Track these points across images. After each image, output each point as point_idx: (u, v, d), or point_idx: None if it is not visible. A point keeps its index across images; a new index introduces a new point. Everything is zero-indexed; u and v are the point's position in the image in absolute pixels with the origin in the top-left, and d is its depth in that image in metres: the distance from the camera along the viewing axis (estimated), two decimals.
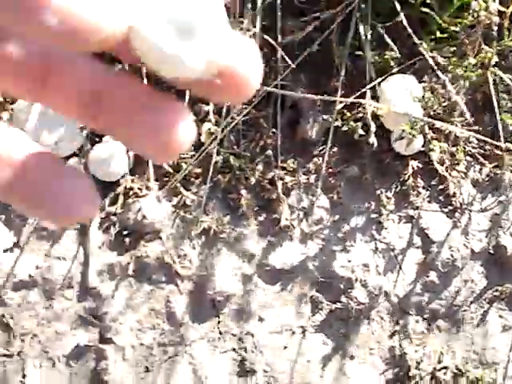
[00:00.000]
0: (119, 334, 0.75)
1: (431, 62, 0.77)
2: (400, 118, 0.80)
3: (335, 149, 0.82)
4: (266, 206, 0.80)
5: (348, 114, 0.82)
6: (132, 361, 0.75)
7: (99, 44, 0.21)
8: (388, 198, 0.82)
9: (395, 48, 0.84)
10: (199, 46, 0.21)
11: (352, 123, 0.81)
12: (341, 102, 0.81)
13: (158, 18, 0.21)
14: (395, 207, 0.83)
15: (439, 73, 0.76)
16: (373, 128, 0.78)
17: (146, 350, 0.75)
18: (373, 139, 0.78)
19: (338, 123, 0.82)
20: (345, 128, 0.82)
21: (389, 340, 0.80)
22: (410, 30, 0.78)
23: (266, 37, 0.78)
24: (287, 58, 0.77)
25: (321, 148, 0.83)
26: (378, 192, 0.82)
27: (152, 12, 0.22)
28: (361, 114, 0.83)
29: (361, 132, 0.79)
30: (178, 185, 0.79)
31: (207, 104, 0.79)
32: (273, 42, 0.78)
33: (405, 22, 0.77)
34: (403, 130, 0.78)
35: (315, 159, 0.82)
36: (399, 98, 0.81)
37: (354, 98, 0.79)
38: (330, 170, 0.82)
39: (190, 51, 0.21)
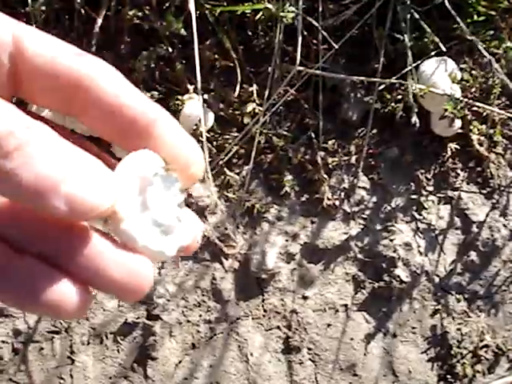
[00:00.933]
0: (166, 311, 0.76)
1: (476, 43, 0.78)
2: (440, 99, 0.81)
3: (375, 130, 0.84)
4: (308, 186, 0.81)
5: (388, 96, 0.84)
6: (179, 338, 0.76)
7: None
8: (427, 179, 0.84)
9: (430, 31, 0.85)
10: (174, 240, 0.30)
11: (393, 104, 0.83)
12: (381, 84, 0.82)
13: (143, 217, 0.30)
14: (434, 188, 0.84)
15: (485, 52, 0.78)
16: (415, 108, 0.79)
17: (193, 327, 0.76)
18: (415, 119, 0.79)
19: (378, 105, 0.83)
20: (384, 110, 0.83)
21: (430, 319, 0.81)
22: (454, 13, 0.79)
23: (308, 18, 0.80)
24: (330, 40, 0.79)
25: (361, 129, 0.84)
26: (418, 173, 0.84)
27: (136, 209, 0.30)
28: (400, 96, 0.84)
29: (401, 113, 0.81)
30: (222, 165, 0.80)
31: (251, 85, 0.81)
32: (316, 24, 0.80)
33: (448, 5, 0.79)
34: (445, 111, 0.79)
35: (355, 140, 0.83)
36: (438, 79, 0.82)
37: (395, 79, 0.81)
38: (370, 151, 0.83)
39: (169, 245, 0.29)
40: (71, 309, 0.30)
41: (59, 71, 0.32)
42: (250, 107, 0.79)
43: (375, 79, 0.81)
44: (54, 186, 0.27)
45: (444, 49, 0.83)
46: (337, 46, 0.80)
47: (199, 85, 0.73)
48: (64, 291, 0.30)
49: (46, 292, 0.29)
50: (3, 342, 0.73)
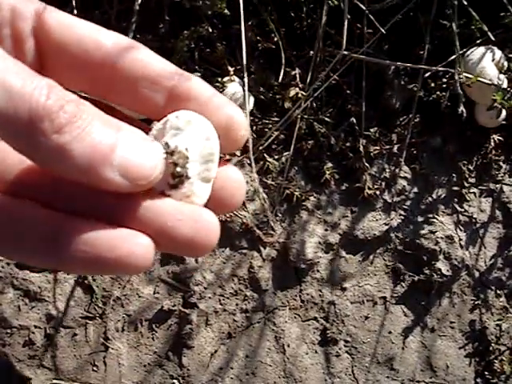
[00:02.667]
0: (203, 300, 0.75)
1: None
2: (487, 89, 0.80)
3: (417, 119, 0.82)
4: (349, 174, 0.80)
5: (432, 85, 0.82)
6: (215, 326, 0.75)
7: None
8: (470, 170, 0.82)
9: (478, 19, 0.83)
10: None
11: (438, 93, 0.81)
12: (426, 71, 0.81)
13: None
14: (476, 180, 0.83)
15: None
16: (462, 97, 0.77)
17: (229, 316, 0.75)
18: (462, 108, 0.77)
19: (421, 94, 0.82)
20: (428, 98, 0.82)
21: (469, 314, 0.80)
22: (505, 1, 0.77)
23: (355, 1, 0.78)
24: (378, 25, 0.77)
25: (403, 118, 0.82)
26: (460, 164, 0.82)
27: None
28: (445, 85, 0.83)
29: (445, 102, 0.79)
30: (262, 151, 0.79)
31: (293, 69, 0.79)
32: (362, 7, 0.78)
33: None
34: (494, 101, 0.78)
35: (398, 129, 0.82)
36: (485, 68, 0.81)
37: (441, 67, 0.79)
38: (413, 140, 0.82)
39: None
40: (141, 262, 0.30)
41: (85, 47, 0.31)
42: (292, 92, 0.77)
43: (421, 66, 0.79)
44: (107, 157, 0.28)
45: (492, 37, 0.81)
46: (384, 31, 0.78)
47: (245, 67, 0.71)
48: (134, 243, 0.30)
49: (117, 246, 0.30)
50: (35, 326, 0.72)
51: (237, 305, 0.76)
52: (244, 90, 0.77)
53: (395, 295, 0.79)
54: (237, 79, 0.78)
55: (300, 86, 0.78)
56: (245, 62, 0.71)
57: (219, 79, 0.78)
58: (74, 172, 0.29)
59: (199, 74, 0.75)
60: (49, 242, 0.31)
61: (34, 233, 0.31)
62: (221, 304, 0.75)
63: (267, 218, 0.78)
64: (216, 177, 0.35)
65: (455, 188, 0.82)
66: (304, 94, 0.77)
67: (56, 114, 0.28)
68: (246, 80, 0.72)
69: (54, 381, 0.72)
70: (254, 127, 0.79)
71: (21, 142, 0.28)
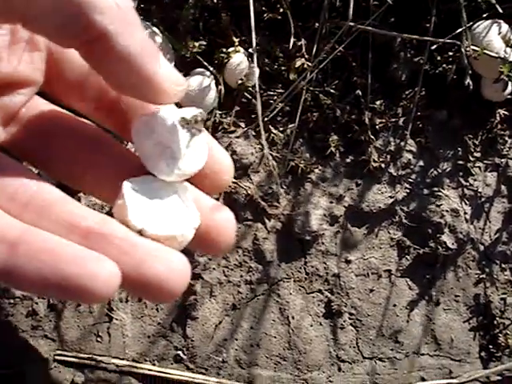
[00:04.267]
0: (207, 271, 0.75)
1: None
2: (493, 62, 0.80)
3: (423, 92, 0.82)
4: (354, 147, 0.80)
5: (438, 58, 0.82)
6: (219, 298, 0.75)
7: None
8: (475, 144, 0.83)
9: None
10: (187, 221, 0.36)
11: (444, 66, 0.81)
12: (432, 44, 0.81)
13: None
14: (482, 155, 0.83)
15: None
16: (469, 70, 0.78)
17: (234, 288, 0.76)
18: (469, 81, 0.77)
19: (427, 67, 0.82)
20: (435, 71, 0.82)
21: (474, 288, 0.81)
22: None
23: None
24: None
25: (409, 91, 0.82)
26: (465, 138, 0.82)
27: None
28: (451, 59, 0.83)
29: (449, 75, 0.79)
30: (267, 122, 0.79)
31: (299, 39, 0.79)
32: None
33: None
34: (501, 73, 0.78)
35: (403, 102, 0.82)
36: (492, 42, 0.81)
37: (448, 39, 0.79)
38: (418, 114, 0.82)
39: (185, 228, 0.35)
40: (103, 288, 0.29)
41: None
42: (298, 62, 0.77)
43: (428, 38, 0.79)
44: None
45: (500, 10, 0.81)
46: (391, 2, 0.78)
47: (254, 39, 0.71)
48: (100, 265, 0.29)
49: (80, 264, 0.29)
50: (39, 297, 0.72)
51: (241, 276, 0.76)
52: (253, 62, 0.77)
53: (400, 268, 0.79)
54: (242, 50, 0.78)
55: (306, 57, 0.78)
56: (254, 34, 0.71)
57: (224, 50, 0.78)
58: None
59: (204, 44, 0.75)
60: (6, 245, 0.29)
61: None
62: (225, 275, 0.76)
63: (272, 189, 0.78)
64: (201, 222, 0.36)
65: (460, 162, 0.82)
66: (310, 64, 0.77)
67: None
68: (255, 55, 0.72)
69: (58, 351, 0.73)
70: (257, 98, 0.79)
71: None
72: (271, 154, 0.79)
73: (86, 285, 0.28)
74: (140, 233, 0.33)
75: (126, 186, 0.34)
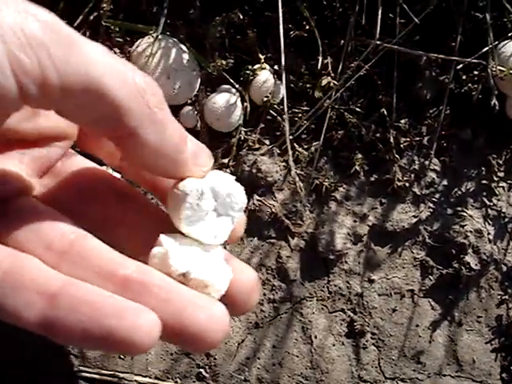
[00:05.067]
0: None
1: None
2: None
3: (448, 111, 0.82)
4: (378, 165, 0.80)
5: (463, 77, 0.82)
6: (242, 316, 0.75)
7: None
8: (499, 164, 0.82)
9: None
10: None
11: (470, 85, 0.81)
12: (458, 63, 0.81)
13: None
14: (505, 174, 0.83)
15: None
16: (495, 90, 0.78)
17: (257, 306, 0.76)
18: (495, 101, 0.77)
19: (452, 86, 0.82)
20: (460, 90, 0.82)
21: (496, 309, 0.80)
22: None
23: None
24: (411, 14, 0.77)
25: (433, 110, 0.82)
26: (489, 158, 0.82)
27: None
28: (476, 78, 0.83)
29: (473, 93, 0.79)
30: (291, 140, 0.79)
31: (325, 57, 0.79)
32: None
33: None
34: None
35: (428, 121, 0.82)
36: None
37: (474, 59, 0.79)
38: (443, 133, 0.82)
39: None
40: (144, 339, 0.29)
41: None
42: (324, 81, 0.77)
43: (454, 58, 0.79)
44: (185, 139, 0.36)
45: None
46: (418, 21, 0.78)
47: (282, 55, 0.71)
48: (141, 317, 0.29)
49: (121, 316, 0.29)
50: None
51: (264, 295, 0.76)
52: (280, 79, 0.77)
53: (423, 288, 0.79)
54: (267, 67, 0.78)
55: (332, 75, 0.78)
56: (282, 50, 0.71)
57: (250, 67, 0.78)
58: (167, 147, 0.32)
59: (232, 61, 0.75)
60: (45, 297, 0.29)
61: (32, 285, 0.29)
62: None
63: (296, 207, 0.78)
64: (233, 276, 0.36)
65: (484, 181, 0.82)
66: (336, 83, 0.77)
67: (155, 90, 0.29)
68: (283, 73, 0.72)
69: (80, 367, 0.73)
70: (284, 116, 0.79)
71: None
72: (296, 172, 0.79)
73: (127, 337, 0.28)
74: (183, 276, 0.33)
75: (163, 237, 0.35)
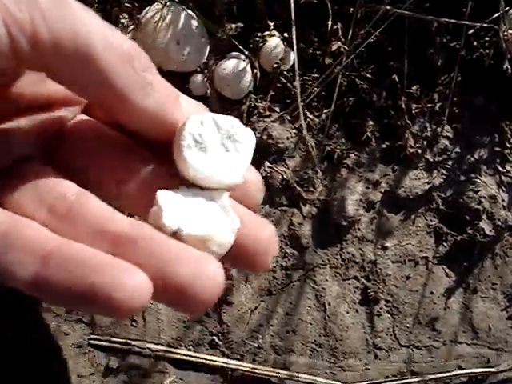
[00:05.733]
0: None
1: None
2: None
3: (459, 78, 0.81)
4: (390, 132, 0.79)
5: (475, 43, 0.82)
6: (255, 283, 0.75)
7: None
8: None
9: None
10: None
11: (481, 50, 0.81)
12: (469, 28, 0.80)
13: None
14: None
15: None
16: (507, 54, 0.77)
17: (269, 273, 0.75)
18: (507, 65, 0.77)
19: (464, 51, 0.81)
20: (471, 56, 0.81)
21: (511, 275, 0.80)
22: None
23: None
24: None
25: (445, 76, 0.82)
26: (502, 124, 0.82)
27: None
28: (487, 44, 0.82)
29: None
30: (302, 107, 0.78)
31: (335, 23, 0.79)
32: None
33: None
34: None
35: (440, 87, 0.81)
36: None
37: (485, 23, 0.79)
38: (455, 99, 0.81)
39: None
40: (134, 297, 0.28)
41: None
42: (334, 46, 0.77)
43: (465, 22, 0.79)
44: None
45: None
46: None
47: (294, 23, 0.70)
48: (130, 273, 0.29)
49: (111, 274, 0.28)
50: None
51: (277, 262, 0.76)
52: (291, 47, 0.76)
53: (437, 255, 0.78)
54: (277, 34, 0.78)
55: (342, 40, 0.78)
56: (293, 14, 0.70)
57: (259, 34, 0.77)
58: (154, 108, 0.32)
59: (241, 25, 0.75)
60: (39, 257, 0.29)
61: (28, 245, 0.30)
62: None
63: (308, 174, 0.77)
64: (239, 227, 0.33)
65: (497, 148, 0.82)
66: (346, 48, 0.77)
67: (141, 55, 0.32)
68: (294, 38, 0.72)
69: (92, 335, 0.72)
70: (294, 83, 0.79)
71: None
72: (306, 139, 0.78)
73: (112, 295, 0.27)
74: (175, 235, 0.31)
75: (161, 193, 0.33)
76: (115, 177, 0.35)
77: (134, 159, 0.36)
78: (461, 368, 0.78)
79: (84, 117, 0.38)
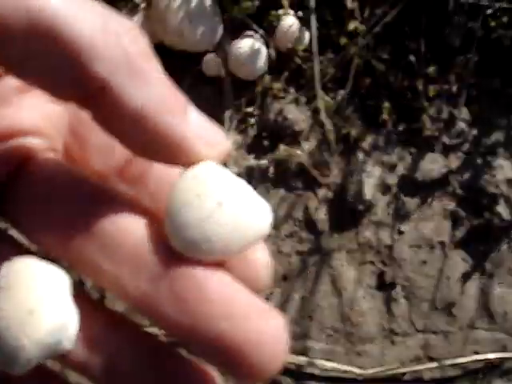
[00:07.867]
0: None
1: None
2: None
3: (476, 58, 0.80)
4: (406, 114, 0.79)
5: (493, 23, 0.81)
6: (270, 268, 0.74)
7: None
8: None
9: None
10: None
11: (499, 31, 0.80)
12: (487, 8, 0.79)
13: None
14: None
15: None
16: None
17: (285, 258, 0.74)
18: None
19: (481, 33, 0.80)
20: (489, 37, 0.80)
21: None
22: None
23: None
24: None
25: (462, 57, 0.81)
26: None
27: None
28: (506, 24, 0.81)
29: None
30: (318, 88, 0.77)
31: (352, 2, 0.77)
32: None
33: None
34: None
35: (457, 69, 0.80)
36: None
37: (504, 2, 0.78)
38: (472, 81, 0.80)
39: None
40: None
41: None
42: (351, 25, 0.75)
43: (482, 3, 0.78)
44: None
45: None
46: None
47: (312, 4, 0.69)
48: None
49: None
50: None
51: (292, 247, 0.75)
52: (306, 25, 0.75)
53: (454, 240, 0.78)
54: (292, 12, 0.77)
55: (359, 19, 0.76)
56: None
57: (273, 12, 0.76)
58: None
59: (257, 3, 0.73)
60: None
61: None
62: (276, 246, 0.74)
63: (323, 157, 0.76)
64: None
65: None
66: (362, 27, 0.76)
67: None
68: (312, 15, 0.71)
69: None
70: (309, 63, 0.77)
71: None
72: (321, 121, 0.77)
73: None
74: None
75: None
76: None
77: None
78: (477, 353, 0.77)
79: (52, 155, 0.28)
